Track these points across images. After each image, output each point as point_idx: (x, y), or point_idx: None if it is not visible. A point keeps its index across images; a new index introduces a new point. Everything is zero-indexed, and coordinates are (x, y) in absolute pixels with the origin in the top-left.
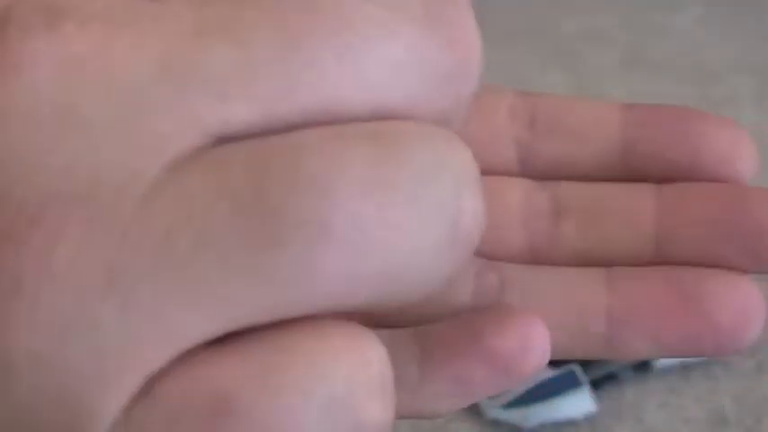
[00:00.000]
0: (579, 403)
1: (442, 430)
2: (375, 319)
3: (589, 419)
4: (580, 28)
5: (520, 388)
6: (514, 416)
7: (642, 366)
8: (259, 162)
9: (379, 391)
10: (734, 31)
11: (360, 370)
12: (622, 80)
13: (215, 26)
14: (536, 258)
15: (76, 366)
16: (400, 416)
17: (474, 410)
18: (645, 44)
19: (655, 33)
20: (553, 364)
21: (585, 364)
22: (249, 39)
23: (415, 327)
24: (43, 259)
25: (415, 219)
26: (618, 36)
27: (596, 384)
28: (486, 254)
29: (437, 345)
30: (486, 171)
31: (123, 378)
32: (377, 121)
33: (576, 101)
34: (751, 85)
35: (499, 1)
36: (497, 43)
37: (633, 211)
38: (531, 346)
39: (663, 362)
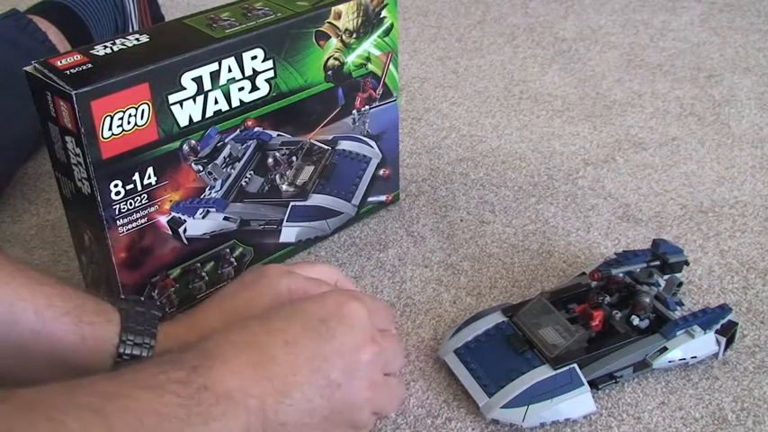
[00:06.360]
0: (579, 403)
1: (441, 430)
2: None
3: (589, 419)
4: (580, 28)
5: (520, 388)
6: (514, 416)
7: (642, 366)
8: None
9: None
10: (734, 31)
11: None
12: (622, 80)
13: None
14: None
15: None
16: None
17: (474, 410)
18: (645, 44)
19: (655, 33)
20: (553, 363)
21: (585, 363)
22: None
23: None
24: None
25: None
26: (618, 36)
27: (596, 384)
28: None
29: None
30: None
31: None
32: None
33: None
34: (751, 85)
35: (499, 1)
36: (497, 43)
37: None
38: None
39: (663, 362)
